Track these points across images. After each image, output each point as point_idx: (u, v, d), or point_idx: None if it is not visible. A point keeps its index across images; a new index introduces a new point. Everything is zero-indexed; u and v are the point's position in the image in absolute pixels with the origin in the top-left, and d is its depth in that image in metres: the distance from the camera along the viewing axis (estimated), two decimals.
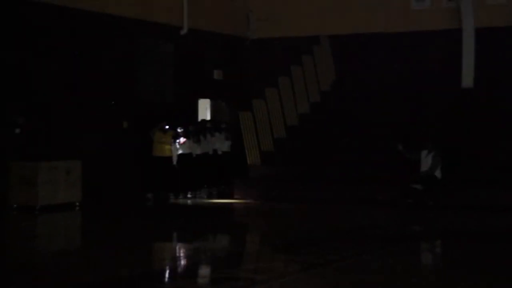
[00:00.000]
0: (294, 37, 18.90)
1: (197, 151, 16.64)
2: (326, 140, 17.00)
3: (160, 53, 17.28)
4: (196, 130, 16.79)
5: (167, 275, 8.95)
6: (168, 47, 17.46)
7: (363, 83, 18.36)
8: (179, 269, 9.28)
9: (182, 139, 16.25)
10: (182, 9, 17.57)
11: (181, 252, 10.66)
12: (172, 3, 17.47)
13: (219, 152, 17.27)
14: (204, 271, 9.26)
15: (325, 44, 18.97)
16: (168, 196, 15.88)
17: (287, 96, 17.93)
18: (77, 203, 14.20)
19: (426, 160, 14.49)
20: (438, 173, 14.45)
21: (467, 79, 16.99)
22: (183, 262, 9.86)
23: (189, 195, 16.23)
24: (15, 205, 13.71)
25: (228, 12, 19.15)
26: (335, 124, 17.36)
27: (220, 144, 17.22)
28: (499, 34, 17.25)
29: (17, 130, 14.13)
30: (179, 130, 16.22)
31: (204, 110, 18.81)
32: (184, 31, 17.64)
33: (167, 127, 15.92)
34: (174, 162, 16.16)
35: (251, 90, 18.33)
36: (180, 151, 16.27)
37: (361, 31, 18.46)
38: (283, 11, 19.30)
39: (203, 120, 17.82)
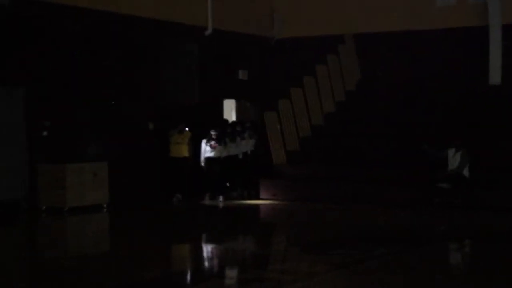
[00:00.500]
0: (319, 36, 18.83)
1: (224, 153, 16.34)
2: (351, 139, 16.90)
3: (185, 54, 17.32)
4: (229, 132, 16.57)
5: (195, 275, 8.97)
6: (193, 48, 17.50)
7: (389, 82, 18.23)
8: (207, 270, 9.30)
9: (213, 143, 15.98)
10: (206, 10, 17.59)
11: (208, 253, 10.68)
12: (197, 4, 17.51)
13: (248, 153, 17.12)
14: (232, 271, 9.27)
15: (350, 43, 18.87)
16: (194, 198, 15.83)
17: (312, 95, 17.88)
18: (105, 205, 14.31)
19: (454, 159, 14.34)
20: (466, 172, 14.29)
21: (495, 76, 16.79)
22: (210, 262, 9.88)
23: (217, 197, 16.07)
24: (43, 207, 13.85)
25: (253, 12, 19.13)
26: (360, 123, 17.26)
27: (249, 145, 17.06)
28: None
29: (45, 133, 14.27)
30: (212, 133, 15.99)
31: (229, 111, 18.82)
32: (208, 32, 17.67)
33: (186, 128, 15.85)
34: (202, 163, 16.04)
35: (276, 90, 18.30)
36: (210, 154, 16.04)
37: (386, 29, 18.32)
38: (307, 10, 19.23)
39: (233, 122, 17.65)
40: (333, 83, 18.43)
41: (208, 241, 11.59)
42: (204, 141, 15.98)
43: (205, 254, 10.53)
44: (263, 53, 19.38)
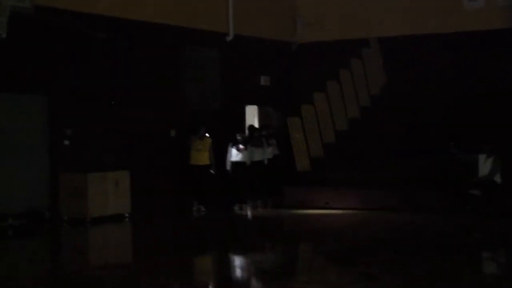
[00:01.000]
0: (342, 40, 18.56)
1: (250, 159, 16.00)
2: (376, 145, 16.60)
3: (206, 60, 17.15)
4: (255, 137, 16.26)
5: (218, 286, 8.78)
6: (214, 54, 17.33)
7: (415, 86, 17.89)
8: (230, 281, 9.08)
9: (241, 146, 15.70)
10: (227, 15, 17.42)
11: (230, 263, 10.46)
12: (217, 10, 17.34)
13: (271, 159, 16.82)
14: (256, 282, 9.05)
15: (375, 47, 18.58)
16: (216, 207, 15.44)
17: (336, 100, 17.60)
18: (127, 214, 14.13)
19: (486, 165, 13.97)
20: (497, 178, 13.92)
21: None
22: (233, 273, 9.67)
23: (241, 205, 15.76)
24: (65, 217, 13.70)
25: (274, 16, 18.92)
26: (385, 128, 16.96)
27: (274, 151, 16.81)
28: None
29: (66, 142, 14.14)
30: (238, 137, 15.68)
31: (252, 117, 18.59)
32: (230, 38, 17.49)
33: (207, 134, 15.48)
34: (228, 167, 15.66)
35: (299, 95, 18.05)
36: (236, 158, 15.66)
37: (411, 32, 18.02)
38: (330, 14, 18.98)
39: (258, 128, 17.32)
40: (358, 87, 18.14)
41: (230, 251, 11.33)
42: (230, 144, 15.67)
43: (226, 265, 10.30)
44: (285, 58, 19.15)
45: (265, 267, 9.88)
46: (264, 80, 18.62)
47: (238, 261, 10.50)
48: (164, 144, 15.90)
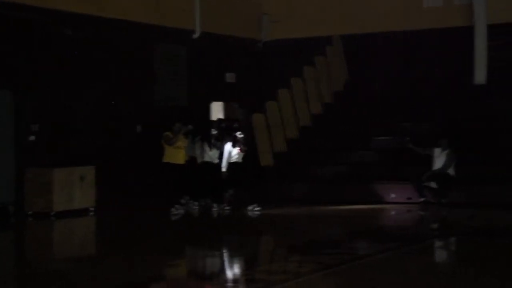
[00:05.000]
0: (306, 38, 18.86)
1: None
2: (339, 140, 16.95)
3: (173, 57, 17.33)
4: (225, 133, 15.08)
5: (182, 278, 8.96)
6: (181, 51, 17.51)
7: (376, 82, 18.28)
8: (194, 273, 9.29)
9: (242, 146, 14.42)
10: (194, 13, 17.60)
11: (193, 255, 10.67)
12: (184, 7, 17.51)
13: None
14: (219, 273, 9.27)
15: (338, 44, 18.91)
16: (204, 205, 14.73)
17: (300, 97, 17.91)
18: (92, 209, 14.28)
19: (441, 158, 14.41)
20: (451, 171, 14.36)
21: (480, 75, 16.89)
22: (197, 265, 9.88)
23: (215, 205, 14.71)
24: (30, 212, 13.82)
25: (240, 14, 19.15)
26: (348, 124, 17.32)
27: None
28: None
29: (32, 137, 14.24)
30: (239, 135, 14.40)
31: (217, 113, 18.81)
32: (196, 35, 17.67)
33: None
34: (224, 169, 14.34)
35: (264, 92, 18.32)
36: (236, 159, 14.39)
37: (373, 30, 18.38)
38: (295, 12, 19.27)
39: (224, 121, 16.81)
40: (321, 84, 18.46)
41: (192, 244, 11.54)
42: (229, 144, 14.39)
43: (189, 257, 10.50)
44: (250, 56, 19.40)
45: (229, 259, 10.11)
46: (229, 77, 18.85)
47: (201, 254, 10.70)
48: (130, 140, 16.05)
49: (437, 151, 14.50)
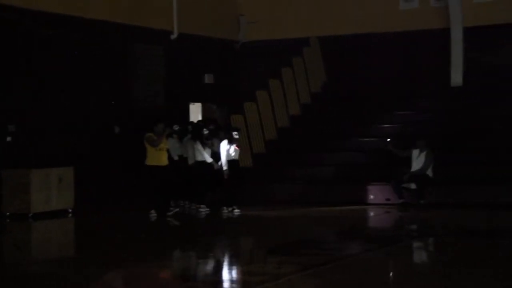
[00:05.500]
0: (284, 39, 18.94)
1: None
2: (317, 141, 17.06)
3: (151, 58, 17.30)
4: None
5: (161, 280, 8.97)
6: (159, 51, 17.48)
7: (354, 83, 18.43)
8: (174, 274, 9.30)
9: (237, 143, 14.27)
10: (172, 13, 17.59)
11: (174, 257, 10.67)
12: (162, 8, 17.50)
13: None
14: (199, 274, 9.29)
15: (315, 46, 19.02)
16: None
17: (278, 98, 17.98)
18: (70, 210, 14.20)
19: (419, 159, 14.52)
20: (429, 172, 14.51)
21: (456, 77, 17.10)
22: (177, 267, 9.89)
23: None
24: (7, 213, 13.70)
25: (218, 16, 19.18)
26: (326, 125, 17.44)
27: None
28: (487, 33, 17.35)
29: (8, 138, 14.12)
30: (234, 133, 14.17)
31: (195, 114, 18.81)
32: (174, 36, 17.67)
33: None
34: (225, 167, 14.03)
35: (242, 93, 18.36)
36: (233, 157, 14.18)
37: (350, 31, 18.51)
38: (273, 13, 19.34)
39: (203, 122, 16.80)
40: (299, 85, 18.56)
41: (170, 247, 11.54)
42: (225, 142, 14.14)
43: (169, 259, 10.49)
44: (229, 57, 19.43)
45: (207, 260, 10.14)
46: (208, 78, 18.86)
47: (180, 256, 10.70)
48: (108, 140, 15.99)
49: (415, 152, 14.62)
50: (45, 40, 14.71)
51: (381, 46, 18.31)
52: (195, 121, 17.78)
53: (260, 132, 17.37)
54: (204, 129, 14.48)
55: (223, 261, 10.04)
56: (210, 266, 9.69)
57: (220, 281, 8.72)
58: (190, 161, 14.56)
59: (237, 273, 9.12)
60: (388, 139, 15.08)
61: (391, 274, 8.93)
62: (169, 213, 13.74)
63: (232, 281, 8.69)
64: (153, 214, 13.65)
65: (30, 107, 14.50)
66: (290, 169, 16.43)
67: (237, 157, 14.32)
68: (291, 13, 19.14)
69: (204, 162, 14.37)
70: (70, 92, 15.27)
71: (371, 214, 14.20)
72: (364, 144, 16.50)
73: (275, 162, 16.86)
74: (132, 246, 11.05)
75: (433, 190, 14.44)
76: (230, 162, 14.14)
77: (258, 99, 17.56)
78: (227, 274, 9.15)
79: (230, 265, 9.76)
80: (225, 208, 14.16)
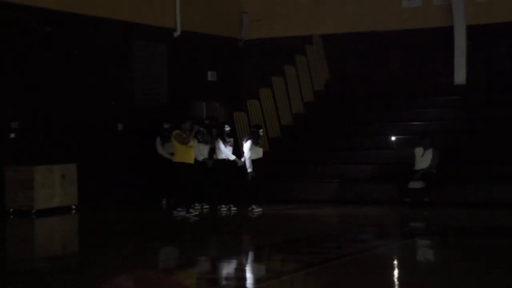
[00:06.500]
0: (287, 37, 18.94)
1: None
2: (320, 139, 17.05)
3: (154, 55, 17.31)
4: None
5: (164, 278, 8.95)
6: (162, 49, 17.49)
7: (357, 81, 18.42)
8: (175, 271, 9.31)
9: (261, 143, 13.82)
10: (175, 11, 17.60)
11: (173, 254, 10.68)
12: (165, 5, 17.50)
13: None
14: (202, 271, 9.30)
15: (318, 44, 19.02)
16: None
17: (281, 96, 17.98)
18: (73, 207, 14.23)
19: (425, 158, 14.44)
20: (433, 169, 14.45)
21: (460, 76, 17.08)
22: (179, 263, 9.90)
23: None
24: (11, 210, 13.73)
25: (221, 13, 19.18)
26: (329, 123, 17.43)
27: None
28: (490, 31, 17.34)
29: (12, 135, 14.15)
30: (227, 129, 13.93)
31: (198, 112, 18.78)
32: (177, 33, 17.67)
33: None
34: (250, 169, 13.65)
35: (245, 90, 18.35)
36: (256, 156, 13.81)
37: (353, 30, 18.51)
38: (276, 11, 19.33)
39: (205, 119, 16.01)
40: (302, 83, 18.56)
41: (169, 243, 11.55)
42: (249, 142, 13.83)
43: (168, 256, 10.50)
44: (232, 54, 19.44)
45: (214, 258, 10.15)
46: (211, 75, 18.86)
47: (187, 253, 10.71)
48: (111, 138, 16.01)
49: (418, 150, 14.57)
50: (47, 37, 14.72)
51: (384, 44, 18.30)
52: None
53: (264, 129, 17.35)
54: (226, 126, 14.22)
55: (224, 259, 10.05)
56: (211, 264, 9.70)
57: (222, 278, 8.72)
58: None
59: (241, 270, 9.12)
60: (393, 138, 15.05)
61: (394, 272, 8.94)
62: (192, 214, 13.37)
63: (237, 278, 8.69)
64: (180, 212, 13.30)
65: (33, 104, 14.51)
66: (293, 167, 16.41)
67: (261, 156, 13.88)
68: (293, 11, 19.14)
69: (225, 161, 13.94)
70: (72, 90, 15.28)
71: (375, 212, 14.17)
72: (368, 143, 16.47)
73: (278, 160, 16.85)
74: (132, 243, 11.06)
75: (437, 188, 14.38)
76: (254, 162, 13.69)
77: (261, 97, 17.56)
78: (230, 271, 9.15)
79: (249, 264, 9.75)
80: (253, 206, 13.72)
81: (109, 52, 16.11)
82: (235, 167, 13.99)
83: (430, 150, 14.44)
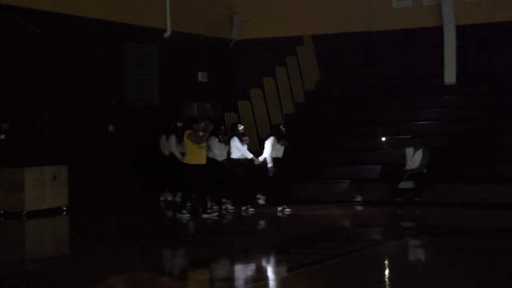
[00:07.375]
0: (278, 37, 18.96)
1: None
2: (310, 140, 17.06)
3: (144, 56, 17.28)
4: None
5: (156, 278, 8.95)
6: (152, 50, 17.47)
7: (347, 82, 18.45)
8: (168, 271, 9.30)
9: (283, 141, 13.57)
10: (165, 12, 17.58)
11: (167, 255, 10.67)
12: (155, 6, 17.48)
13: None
14: (194, 272, 9.29)
15: (309, 45, 19.04)
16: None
17: (272, 96, 18.00)
18: (64, 208, 14.18)
19: (415, 158, 14.47)
20: (424, 169, 14.50)
21: (449, 76, 17.15)
22: (172, 264, 9.89)
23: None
24: (1, 211, 13.67)
25: (212, 14, 19.17)
26: (319, 124, 17.45)
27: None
28: (480, 31, 17.42)
29: (2, 136, 14.09)
30: (240, 127, 13.61)
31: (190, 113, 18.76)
32: (167, 34, 17.65)
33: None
34: (270, 164, 13.36)
35: (236, 91, 18.35)
36: (277, 154, 13.56)
37: (343, 30, 18.55)
38: (267, 12, 19.35)
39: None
40: (293, 84, 18.58)
41: (160, 244, 11.53)
42: (272, 138, 13.55)
43: (162, 257, 10.49)
44: (223, 55, 19.43)
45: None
46: (201, 76, 18.85)
47: (178, 253, 10.70)
48: (102, 139, 15.97)
49: (409, 150, 14.61)
50: (37, 38, 14.66)
51: (374, 45, 18.35)
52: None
53: (254, 130, 17.37)
54: (239, 125, 13.96)
55: (217, 260, 10.05)
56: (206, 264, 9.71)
57: (214, 279, 8.71)
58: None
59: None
60: (383, 138, 15.07)
61: (386, 273, 8.96)
62: (206, 215, 13.06)
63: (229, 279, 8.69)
64: (210, 214, 13.02)
65: (23, 105, 14.45)
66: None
67: (281, 155, 13.56)
68: (284, 11, 19.15)
69: (240, 160, 13.60)
70: (63, 90, 15.24)
71: (366, 212, 14.20)
72: (357, 143, 16.50)
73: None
74: (123, 244, 11.04)
75: (428, 188, 14.43)
76: (275, 159, 13.39)
77: (252, 97, 17.56)
78: (224, 272, 9.15)
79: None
80: (284, 206, 13.50)
81: (100, 53, 16.07)
82: (251, 165, 13.61)
83: (421, 150, 14.47)
